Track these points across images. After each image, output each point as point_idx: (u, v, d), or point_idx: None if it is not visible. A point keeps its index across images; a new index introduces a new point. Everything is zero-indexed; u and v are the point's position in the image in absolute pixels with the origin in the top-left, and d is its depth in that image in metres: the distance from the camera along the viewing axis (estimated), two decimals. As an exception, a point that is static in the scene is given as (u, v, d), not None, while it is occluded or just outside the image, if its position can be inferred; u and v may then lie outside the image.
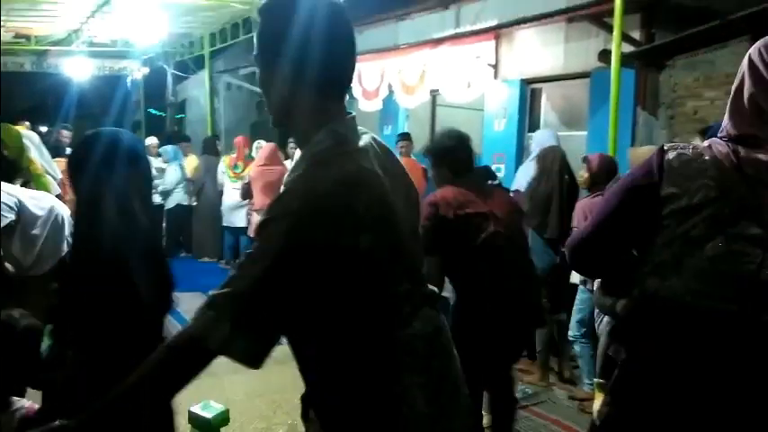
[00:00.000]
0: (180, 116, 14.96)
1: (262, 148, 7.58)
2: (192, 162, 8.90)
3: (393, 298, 1.24)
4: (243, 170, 8.02)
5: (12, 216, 2.64)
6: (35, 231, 2.69)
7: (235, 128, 12.55)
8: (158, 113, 15.16)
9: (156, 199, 8.43)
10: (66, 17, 9.67)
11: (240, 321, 1.12)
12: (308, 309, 1.17)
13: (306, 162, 1.24)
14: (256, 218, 7.18)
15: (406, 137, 6.85)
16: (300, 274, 1.13)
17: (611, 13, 4.84)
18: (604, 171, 3.94)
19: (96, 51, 12.21)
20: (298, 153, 5.67)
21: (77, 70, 12.59)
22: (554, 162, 4.31)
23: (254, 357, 1.15)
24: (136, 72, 13.54)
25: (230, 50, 12.05)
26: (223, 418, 3.16)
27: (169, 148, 8.78)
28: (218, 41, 10.85)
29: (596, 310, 2.70)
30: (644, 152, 3.51)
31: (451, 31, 7.58)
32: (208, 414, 3.23)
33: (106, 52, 12.41)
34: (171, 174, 8.43)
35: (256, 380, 4.05)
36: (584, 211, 3.89)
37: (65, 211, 2.77)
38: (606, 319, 2.61)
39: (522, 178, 4.94)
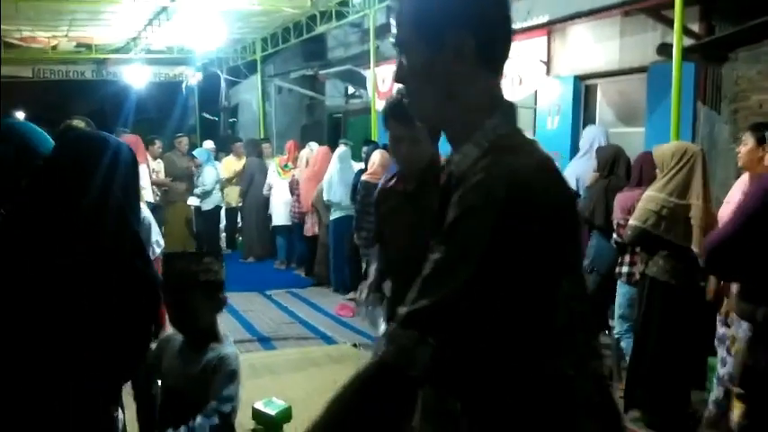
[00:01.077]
0: (232, 120, 15.29)
1: (316, 150, 7.66)
2: (240, 162, 9.09)
3: (572, 317, 1.05)
4: (293, 169, 8.18)
5: None
6: None
7: (286, 130, 12.75)
8: (212, 118, 15.54)
9: (194, 201, 8.69)
10: (124, 26, 10.01)
11: (447, 338, 0.95)
12: (496, 318, 0.98)
13: (480, 149, 1.05)
14: (311, 218, 7.27)
15: None
16: (505, 274, 0.95)
17: (668, 5, 4.71)
18: (638, 167, 3.94)
19: (153, 59, 12.60)
20: (375, 156, 5.56)
21: (135, 77, 13.02)
22: (621, 164, 4.28)
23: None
24: (191, 78, 13.91)
25: (281, 55, 12.26)
26: (286, 415, 3.24)
27: (202, 150, 9.02)
28: (269, 46, 11.04)
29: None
30: (667, 149, 3.51)
31: (502, 29, 7.51)
32: (271, 411, 3.32)
33: (162, 59, 12.78)
34: (208, 174, 8.63)
35: (316, 378, 4.10)
36: (620, 204, 3.88)
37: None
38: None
39: (572, 176, 4.85)
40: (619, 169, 4.26)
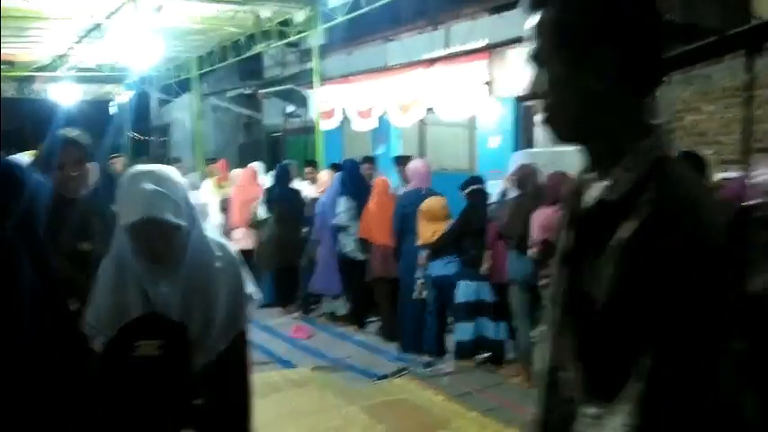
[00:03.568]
0: (163, 139, 14.89)
1: (244, 170, 7.72)
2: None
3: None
4: (226, 187, 8.11)
5: None
6: None
7: (223, 150, 12.54)
8: (140, 137, 15.07)
9: None
10: (52, 42, 9.62)
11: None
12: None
13: (634, 174, 0.96)
14: (238, 233, 7.18)
15: (370, 160, 6.48)
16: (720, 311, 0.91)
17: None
18: (552, 186, 4.17)
19: (81, 77, 12.14)
20: (324, 175, 5.58)
21: (61, 95, 12.51)
22: (529, 179, 4.48)
23: None
24: (119, 96, 13.49)
25: (215, 73, 12.08)
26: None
27: None
28: (206, 64, 10.86)
29: None
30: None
31: (441, 51, 7.70)
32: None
33: (90, 77, 12.35)
34: None
35: (281, 404, 4.01)
36: (538, 221, 4.08)
37: None
38: None
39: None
40: (527, 188, 4.43)
